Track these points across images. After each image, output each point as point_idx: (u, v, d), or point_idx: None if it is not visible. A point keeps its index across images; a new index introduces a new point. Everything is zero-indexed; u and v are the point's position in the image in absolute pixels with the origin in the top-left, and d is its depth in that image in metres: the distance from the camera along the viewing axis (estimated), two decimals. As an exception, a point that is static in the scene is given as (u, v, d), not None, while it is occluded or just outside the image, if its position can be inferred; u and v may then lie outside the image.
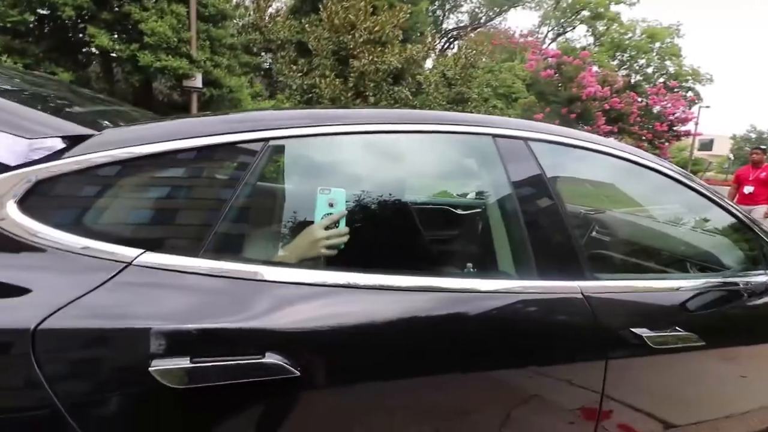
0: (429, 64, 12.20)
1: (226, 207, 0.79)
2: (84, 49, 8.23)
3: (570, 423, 0.97)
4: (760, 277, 1.28)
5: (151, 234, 0.78)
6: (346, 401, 0.78)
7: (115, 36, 7.59)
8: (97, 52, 8.20)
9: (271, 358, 0.69)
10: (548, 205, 1.00)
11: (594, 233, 1.62)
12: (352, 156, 0.98)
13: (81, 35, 7.66)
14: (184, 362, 0.65)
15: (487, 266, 0.99)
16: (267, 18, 11.28)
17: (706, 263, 1.39)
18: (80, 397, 0.65)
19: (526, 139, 1.04)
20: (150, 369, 0.64)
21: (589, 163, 1.21)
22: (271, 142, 0.86)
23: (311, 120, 0.91)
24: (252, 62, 10.59)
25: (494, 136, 1.01)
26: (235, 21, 10.40)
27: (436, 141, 1.03)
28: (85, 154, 0.76)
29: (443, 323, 0.85)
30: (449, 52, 15.68)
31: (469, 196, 1.06)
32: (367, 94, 9.47)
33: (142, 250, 0.72)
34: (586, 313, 0.94)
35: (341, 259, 0.88)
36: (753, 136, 42.64)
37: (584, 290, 0.96)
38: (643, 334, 0.97)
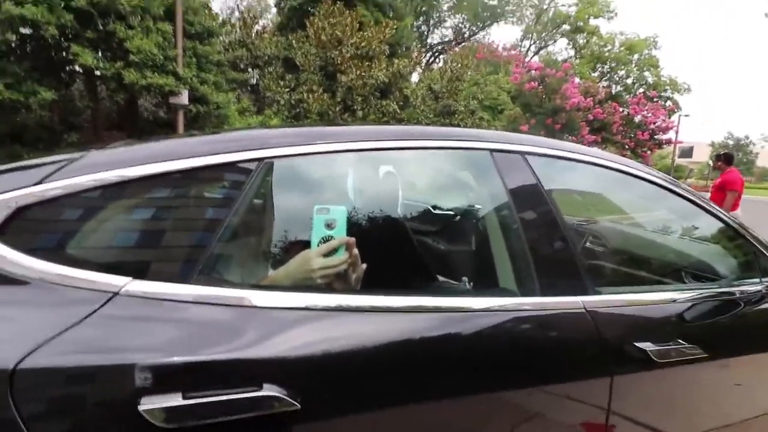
0: (415, 78, 12.37)
1: (220, 231, 0.76)
2: (67, 68, 8.13)
3: None
4: (754, 286, 1.29)
5: (140, 261, 0.75)
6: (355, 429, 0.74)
7: (100, 54, 7.52)
8: (80, 71, 8.11)
9: (269, 390, 0.65)
10: (548, 219, 0.99)
11: (589, 245, 1.62)
12: (350, 174, 0.96)
13: (64, 54, 7.57)
14: (176, 399, 0.61)
15: (487, 284, 0.97)
16: (254, 35, 11.35)
17: (701, 272, 1.40)
18: None
19: (523, 153, 1.03)
20: (140, 408, 0.60)
21: (584, 175, 1.21)
22: (267, 162, 0.84)
23: (307, 138, 0.89)
24: (239, 78, 10.60)
25: (492, 150, 1.01)
26: (221, 38, 10.42)
27: (434, 157, 1.02)
28: (70, 177, 0.73)
29: (446, 344, 0.82)
30: (435, 66, 15.94)
31: (468, 212, 1.05)
32: (355, 108, 9.55)
33: (130, 279, 0.69)
34: (591, 329, 0.93)
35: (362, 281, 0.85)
36: (730, 142, 44.11)
37: (587, 305, 0.94)
38: (648, 348, 0.95)
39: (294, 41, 10.32)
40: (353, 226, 0.93)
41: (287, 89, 10.06)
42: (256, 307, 0.73)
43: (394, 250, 1.00)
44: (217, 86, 9.07)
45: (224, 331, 0.69)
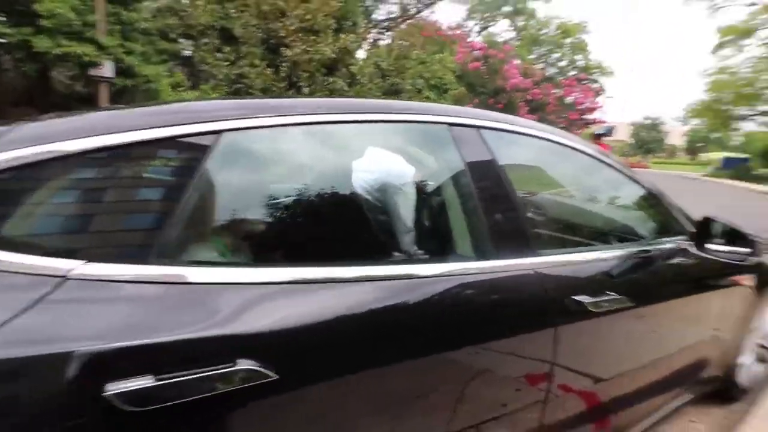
0: (362, 55, 12.14)
1: (177, 207, 0.73)
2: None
3: (522, 390, 1.05)
4: (668, 244, 1.49)
5: (90, 242, 0.70)
6: (322, 398, 0.77)
7: (4, 18, 6.53)
8: (-23, 36, 7.00)
9: (243, 365, 0.66)
10: (502, 189, 1.07)
11: (532, 213, 1.75)
12: (308, 147, 0.96)
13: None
14: (148, 381, 0.60)
15: (447, 250, 1.03)
16: (186, 1, 10.41)
17: (626, 234, 1.58)
18: None
19: (478, 127, 1.09)
20: (106, 393, 0.58)
21: (532, 147, 1.31)
22: (225, 135, 0.81)
23: (266, 110, 0.87)
24: (170, 49, 9.73)
25: (450, 124, 1.05)
26: (148, 3, 9.47)
27: (396, 130, 1.04)
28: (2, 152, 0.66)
29: (411, 308, 0.87)
30: (381, 43, 15.74)
31: (427, 184, 1.09)
32: (300, 84, 9.21)
33: (82, 261, 0.65)
34: (538, 287, 1.03)
35: (312, 255, 0.87)
36: (648, 122, 48.64)
37: (535, 266, 1.04)
38: (584, 301, 1.08)
39: (232, 10, 9.63)
40: (308, 200, 0.94)
41: (226, 63, 9.43)
42: (217, 284, 0.72)
43: (352, 223, 1.02)
44: (146, 57, 8.29)
45: (189, 309, 0.68)
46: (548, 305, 1.05)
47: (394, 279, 0.87)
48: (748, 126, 24.51)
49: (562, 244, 1.54)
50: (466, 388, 0.95)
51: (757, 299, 1.85)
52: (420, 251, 0.99)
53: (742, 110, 22.74)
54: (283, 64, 9.14)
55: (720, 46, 22.81)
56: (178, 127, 0.78)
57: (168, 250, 0.72)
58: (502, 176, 1.08)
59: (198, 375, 0.63)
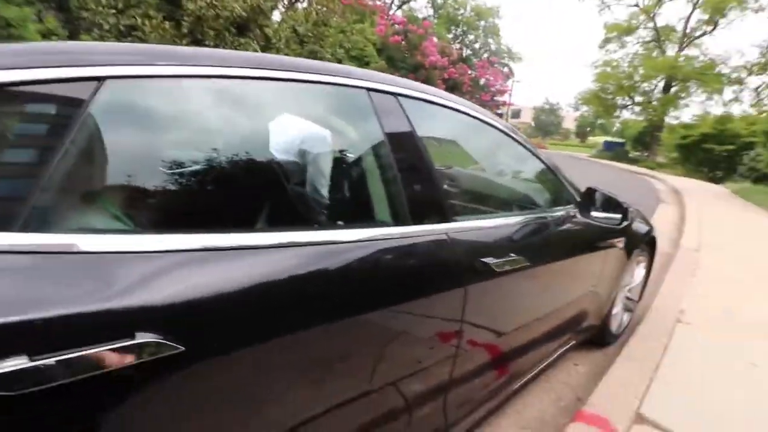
0: (277, 17, 11.36)
1: (48, 167, 0.61)
2: None
3: (435, 347, 1.12)
4: (560, 212, 1.68)
5: None
6: (238, 368, 0.73)
7: None
8: None
9: (144, 338, 0.60)
10: (419, 158, 1.09)
11: (447, 184, 1.84)
12: (213, 103, 0.86)
13: None
14: (21, 362, 0.51)
15: (366, 217, 1.03)
16: (56, -71, 8.61)
17: (527, 203, 1.75)
18: None
19: (396, 95, 1.09)
20: None
21: (447, 119, 1.35)
22: (109, 82, 0.69)
23: (162, 58, 0.76)
24: (39, -12, 8.04)
25: (369, 89, 1.03)
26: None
27: (313, 91, 0.99)
28: None
29: (329, 274, 0.86)
30: (299, 6, 14.88)
31: (346, 149, 1.07)
32: (206, 43, 8.34)
33: None
34: (451, 250, 1.09)
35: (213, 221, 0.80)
36: (548, 107, 53.87)
37: (448, 232, 1.10)
38: (491, 262, 1.17)
39: (119, -52, 8.23)
40: (217, 163, 0.85)
41: (113, 11, 8.12)
42: (112, 252, 0.64)
43: (267, 188, 0.96)
44: (5, -5, 6.74)
45: (76, 281, 0.59)
46: (460, 267, 1.12)
47: (312, 245, 0.85)
48: (626, 114, 28.47)
49: (473, 211, 1.65)
50: (385, 348, 0.98)
51: (626, 259, 2.20)
52: (339, 217, 0.98)
53: (622, 100, 26.28)
54: (185, 19, 8.16)
55: (606, 41, 25.84)
56: (44, 69, 0.64)
57: (46, 216, 0.62)
58: (419, 144, 1.10)
59: (87, 351, 0.56)
